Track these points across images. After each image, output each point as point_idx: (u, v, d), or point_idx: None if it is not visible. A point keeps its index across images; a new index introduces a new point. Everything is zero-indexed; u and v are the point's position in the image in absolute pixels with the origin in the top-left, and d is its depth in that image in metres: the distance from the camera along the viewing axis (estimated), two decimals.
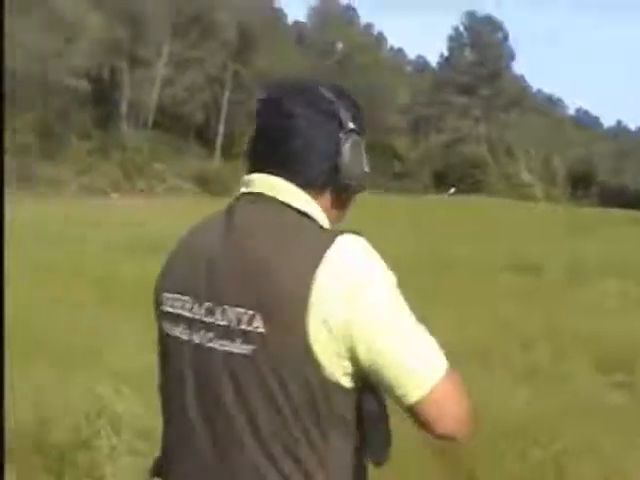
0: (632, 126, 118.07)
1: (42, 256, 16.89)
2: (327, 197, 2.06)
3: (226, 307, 1.89)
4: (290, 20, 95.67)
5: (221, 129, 79.44)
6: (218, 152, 78.66)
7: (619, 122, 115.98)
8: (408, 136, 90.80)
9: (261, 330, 1.85)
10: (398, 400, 1.86)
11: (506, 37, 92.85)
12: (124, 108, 70.43)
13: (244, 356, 1.87)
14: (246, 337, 1.86)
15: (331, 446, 1.90)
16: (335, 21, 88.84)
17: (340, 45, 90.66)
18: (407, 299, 1.93)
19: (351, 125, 2.03)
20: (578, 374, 9.42)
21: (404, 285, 1.89)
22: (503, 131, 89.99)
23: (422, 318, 1.92)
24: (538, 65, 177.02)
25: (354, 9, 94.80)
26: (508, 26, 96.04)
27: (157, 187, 64.23)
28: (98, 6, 68.24)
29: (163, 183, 65.29)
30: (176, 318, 1.99)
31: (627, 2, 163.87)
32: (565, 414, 7.61)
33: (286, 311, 1.83)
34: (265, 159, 2.06)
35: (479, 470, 5.99)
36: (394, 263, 2.00)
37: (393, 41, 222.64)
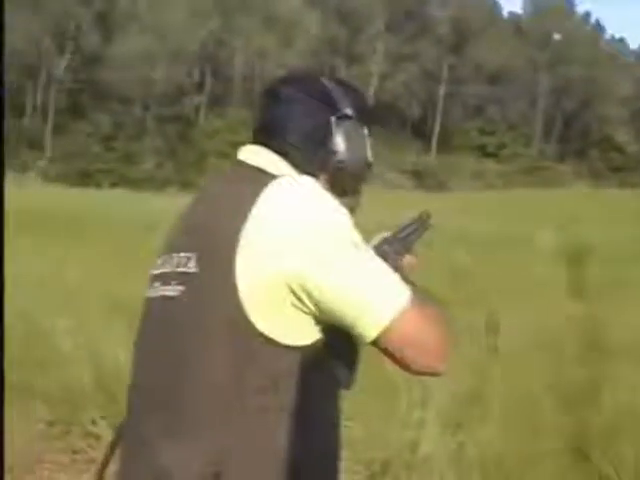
0: None
1: None
2: (323, 182, 1.99)
3: (173, 255, 1.92)
4: (505, 12, 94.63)
5: (437, 123, 79.52)
6: (434, 146, 78.83)
7: None
8: (630, 128, 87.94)
9: (193, 270, 1.84)
10: (361, 338, 1.79)
11: None
12: None
13: (173, 298, 1.86)
14: (180, 278, 1.86)
15: (252, 405, 1.78)
16: (551, 11, 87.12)
17: (557, 36, 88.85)
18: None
19: (347, 111, 2.02)
20: None
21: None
22: None
23: None
24: None
25: None
26: None
27: (373, 182, 64.86)
28: (313, 5, 69.70)
29: (379, 178, 65.89)
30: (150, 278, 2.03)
31: None
32: None
33: (217, 252, 1.80)
34: (263, 145, 2.04)
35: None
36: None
37: (613, 30, 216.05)
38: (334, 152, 2.00)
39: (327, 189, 1.95)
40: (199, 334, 1.81)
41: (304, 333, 1.81)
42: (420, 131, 79.23)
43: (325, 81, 2.07)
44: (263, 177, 1.88)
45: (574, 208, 40.91)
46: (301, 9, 70.02)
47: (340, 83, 2.09)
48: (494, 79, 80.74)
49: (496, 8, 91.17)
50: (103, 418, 5.85)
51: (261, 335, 1.76)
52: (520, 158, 79.19)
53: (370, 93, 71.31)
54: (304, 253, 1.77)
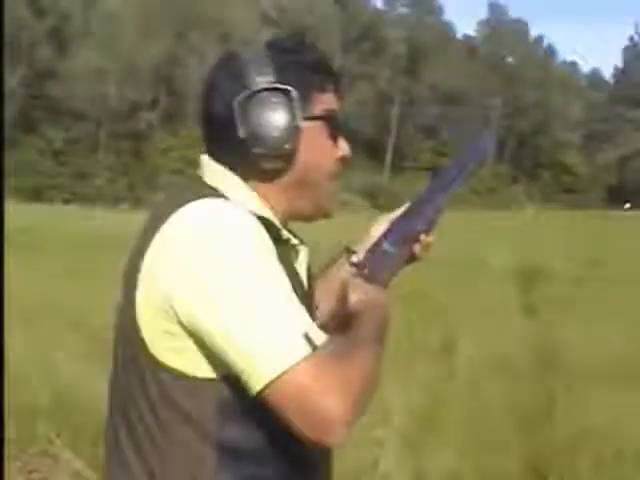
0: None
1: None
2: (256, 178, 1.74)
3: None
4: (460, 34, 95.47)
5: (390, 144, 79.89)
6: (387, 166, 79.15)
7: None
8: (580, 151, 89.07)
9: (120, 300, 1.70)
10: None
11: None
12: None
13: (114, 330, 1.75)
14: (117, 309, 1.73)
15: (171, 438, 1.63)
16: (504, 34, 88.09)
17: (510, 59, 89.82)
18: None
19: (260, 82, 1.69)
20: None
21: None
22: None
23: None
24: None
25: (524, 22, 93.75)
26: None
27: None
28: (268, 22, 69.83)
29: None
30: None
31: None
32: None
33: (128, 282, 1.66)
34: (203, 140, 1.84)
35: None
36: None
37: (566, 54, 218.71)
38: (246, 137, 1.69)
39: (265, 188, 1.74)
40: (126, 367, 1.69)
41: (214, 365, 1.59)
42: (373, 151, 79.46)
43: (247, 50, 1.76)
44: (186, 195, 1.65)
45: (526, 229, 41.34)
46: (257, 26, 70.14)
47: (271, 45, 1.76)
48: (448, 100, 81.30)
49: (450, 30, 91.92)
50: (59, 436, 5.79)
51: (165, 369, 1.61)
52: (472, 179, 79.58)
53: None
54: (193, 289, 1.55)
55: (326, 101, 1.76)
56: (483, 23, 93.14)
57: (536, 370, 6.95)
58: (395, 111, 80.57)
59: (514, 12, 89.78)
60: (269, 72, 1.70)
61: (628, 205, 73.25)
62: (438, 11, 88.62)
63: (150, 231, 1.63)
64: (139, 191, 60.29)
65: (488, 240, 28.02)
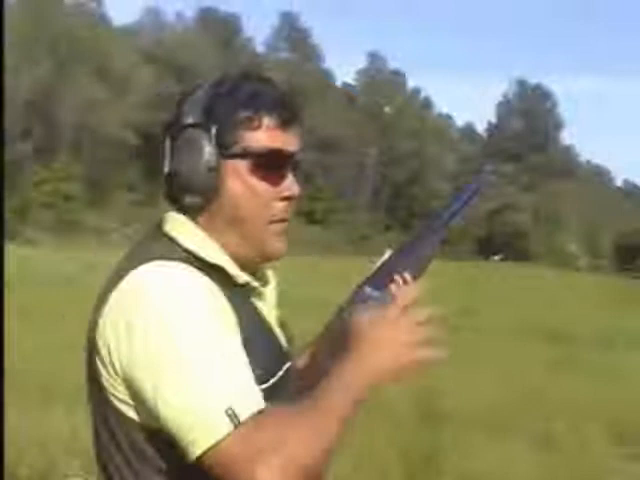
0: None
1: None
2: (202, 221, 1.74)
3: None
4: (339, 81, 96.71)
5: None
6: None
7: None
8: None
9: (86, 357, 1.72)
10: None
11: (555, 106, 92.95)
12: None
13: None
14: None
15: (130, 471, 1.64)
16: (382, 84, 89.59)
17: (387, 109, 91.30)
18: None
19: (188, 119, 1.70)
20: (596, 445, 9.20)
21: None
22: (550, 201, 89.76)
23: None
24: (587, 135, 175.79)
25: (402, 73, 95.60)
26: (558, 94, 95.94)
27: None
28: (148, 60, 69.43)
29: None
30: None
31: None
32: None
33: (88, 340, 1.68)
34: None
35: None
36: None
37: (442, 106, 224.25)
38: (174, 179, 1.71)
39: (213, 230, 1.72)
40: (99, 422, 1.71)
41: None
42: None
43: (194, 87, 1.76)
44: (142, 254, 1.66)
45: None
46: (135, 61, 69.68)
47: (215, 82, 1.75)
48: (325, 147, 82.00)
49: (330, 77, 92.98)
50: None
51: (129, 422, 1.64)
52: (347, 226, 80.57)
53: None
54: (134, 356, 1.56)
55: (259, 138, 1.70)
56: (362, 72, 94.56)
57: (421, 419, 6.89)
58: None
59: (393, 63, 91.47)
60: (198, 109, 1.69)
61: (497, 257, 74.97)
62: (318, 57, 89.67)
63: (109, 287, 1.64)
64: (10, 224, 59.01)
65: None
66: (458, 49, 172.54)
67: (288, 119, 1.73)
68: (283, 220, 1.76)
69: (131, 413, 1.62)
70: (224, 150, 1.69)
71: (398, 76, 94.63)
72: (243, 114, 1.69)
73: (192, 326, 1.55)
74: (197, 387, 1.51)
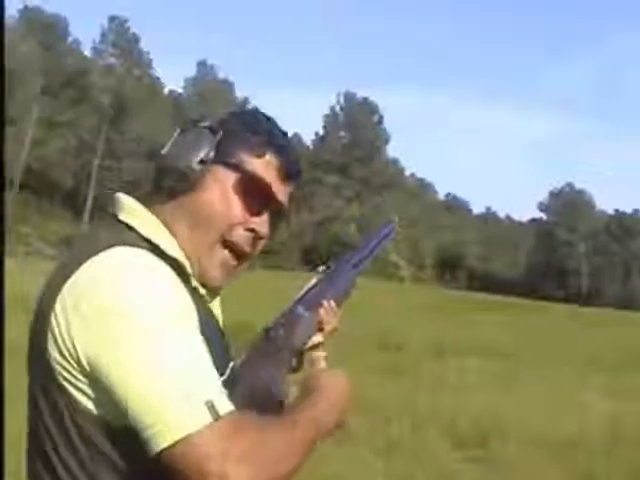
0: (501, 214, 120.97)
1: None
2: (155, 200, 1.79)
3: None
4: (166, 89, 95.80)
5: (90, 195, 78.42)
6: (86, 218, 77.63)
7: (488, 209, 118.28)
8: None
9: (30, 337, 1.66)
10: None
11: (381, 120, 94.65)
12: None
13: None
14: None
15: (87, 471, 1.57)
16: (211, 93, 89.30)
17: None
18: None
19: (202, 123, 1.79)
20: (436, 448, 9.41)
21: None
22: (375, 212, 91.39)
23: None
24: (412, 149, 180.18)
25: (230, 82, 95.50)
26: (384, 108, 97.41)
27: (21, 251, 62.94)
28: None
29: (28, 246, 63.98)
30: None
31: (506, 90, 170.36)
32: None
33: (39, 321, 1.62)
34: None
35: None
36: None
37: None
38: (161, 164, 1.78)
39: (179, 225, 1.72)
40: (44, 410, 1.65)
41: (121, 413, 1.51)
42: (72, 202, 77.79)
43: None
44: (99, 241, 1.63)
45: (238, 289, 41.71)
46: None
47: (236, 113, 1.87)
48: (152, 154, 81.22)
49: (157, 84, 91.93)
50: None
51: (83, 413, 1.58)
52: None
53: (22, 158, 69.27)
54: (99, 342, 1.50)
55: (256, 165, 1.74)
56: (190, 80, 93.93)
57: None
58: (96, 162, 79.20)
59: (222, 73, 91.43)
60: (216, 119, 1.79)
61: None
62: (146, 64, 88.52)
63: (60, 276, 1.58)
64: None
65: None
66: (288, 61, 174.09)
67: (289, 171, 1.79)
68: (235, 251, 1.75)
69: (86, 401, 1.55)
70: (220, 155, 1.73)
71: (226, 85, 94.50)
72: (253, 138, 1.75)
73: (165, 316, 1.50)
74: (172, 374, 1.44)
